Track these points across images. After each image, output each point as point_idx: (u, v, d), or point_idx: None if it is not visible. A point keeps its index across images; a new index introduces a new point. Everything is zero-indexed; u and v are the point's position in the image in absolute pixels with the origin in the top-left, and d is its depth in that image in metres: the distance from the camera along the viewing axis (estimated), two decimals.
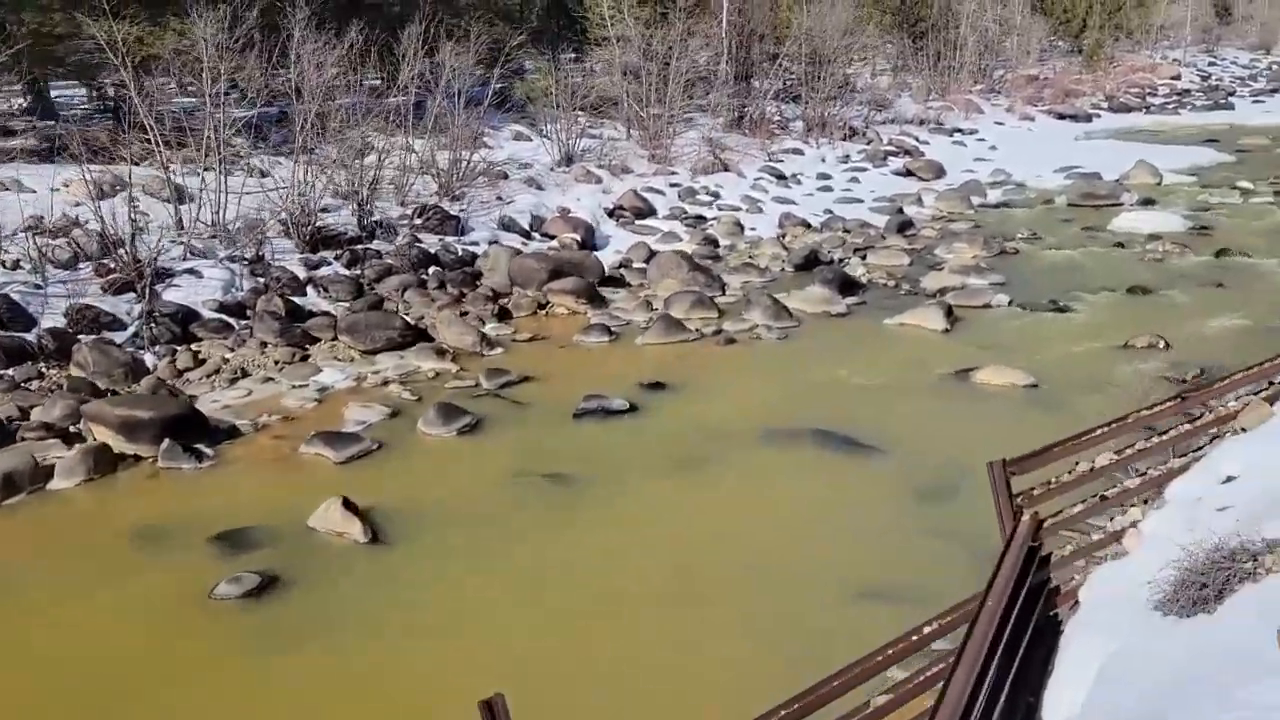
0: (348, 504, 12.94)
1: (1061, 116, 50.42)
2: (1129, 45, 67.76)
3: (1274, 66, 68.77)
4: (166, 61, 23.70)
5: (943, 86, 50.64)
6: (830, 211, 30.98)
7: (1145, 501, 7.47)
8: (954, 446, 15.01)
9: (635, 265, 25.67)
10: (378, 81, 31.25)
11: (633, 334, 20.95)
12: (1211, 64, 70.56)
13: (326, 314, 21.24)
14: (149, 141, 23.51)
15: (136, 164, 23.90)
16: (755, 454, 15.03)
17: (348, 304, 21.83)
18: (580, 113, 36.65)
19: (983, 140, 43.98)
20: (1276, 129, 47.48)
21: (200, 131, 23.90)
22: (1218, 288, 23.14)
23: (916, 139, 42.22)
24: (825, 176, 35.49)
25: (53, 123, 26.73)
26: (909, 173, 36.89)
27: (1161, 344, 19.21)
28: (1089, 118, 50.98)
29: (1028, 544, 6.41)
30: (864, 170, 37.12)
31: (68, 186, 23.16)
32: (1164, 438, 7.98)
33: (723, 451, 15.06)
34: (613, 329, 21.13)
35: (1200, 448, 7.98)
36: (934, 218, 31.35)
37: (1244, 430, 7.91)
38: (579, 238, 26.69)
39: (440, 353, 19.59)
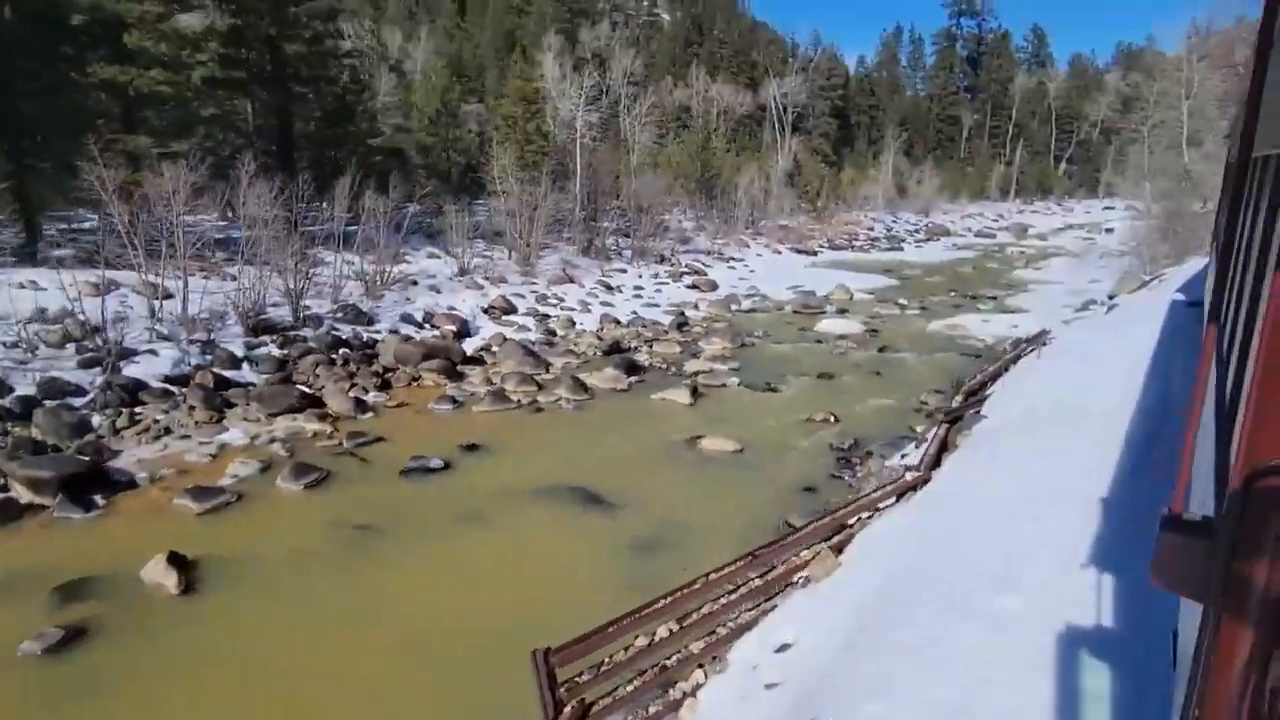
0: (172, 556, 10.08)
1: (800, 251, 49.51)
2: (845, 207, 68.01)
3: (930, 225, 69.75)
4: (146, 198, 20.21)
5: (726, 230, 49.40)
6: (636, 313, 28.81)
7: (714, 659, 5.20)
8: (675, 502, 12.93)
9: (493, 349, 23.05)
10: (338, 214, 28.25)
11: (475, 402, 18.35)
12: (894, 221, 71.21)
13: (249, 384, 18.14)
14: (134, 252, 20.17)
15: (127, 269, 20.68)
16: (524, 509, 12.54)
17: (269, 376, 18.78)
18: (481, 240, 34.20)
19: (747, 266, 42.52)
20: (926, 264, 47.43)
21: (174, 246, 20.59)
22: (876, 375, 21.62)
23: (704, 264, 40.59)
24: (639, 289, 33.43)
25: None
26: (695, 287, 35.07)
27: (833, 419, 17.43)
28: (816, 253, 50.15)
29: None
30: (666, 285, 35.18)
31: (73, 285, 19.74)
32: (733, 596, 5.69)
33: (500, 507, 12.56)
34: (459, 399, 18.51)
35: (771, 598, 5.72)
36: (704, 319, 29.51)
37: (812, 581, 5.70)
38: (455, 329, 23.98)
39: (323, 416, 16.68)
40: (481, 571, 10.62)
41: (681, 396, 18.75)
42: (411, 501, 12.79)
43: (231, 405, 16.91)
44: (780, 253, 48.31)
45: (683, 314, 29.15)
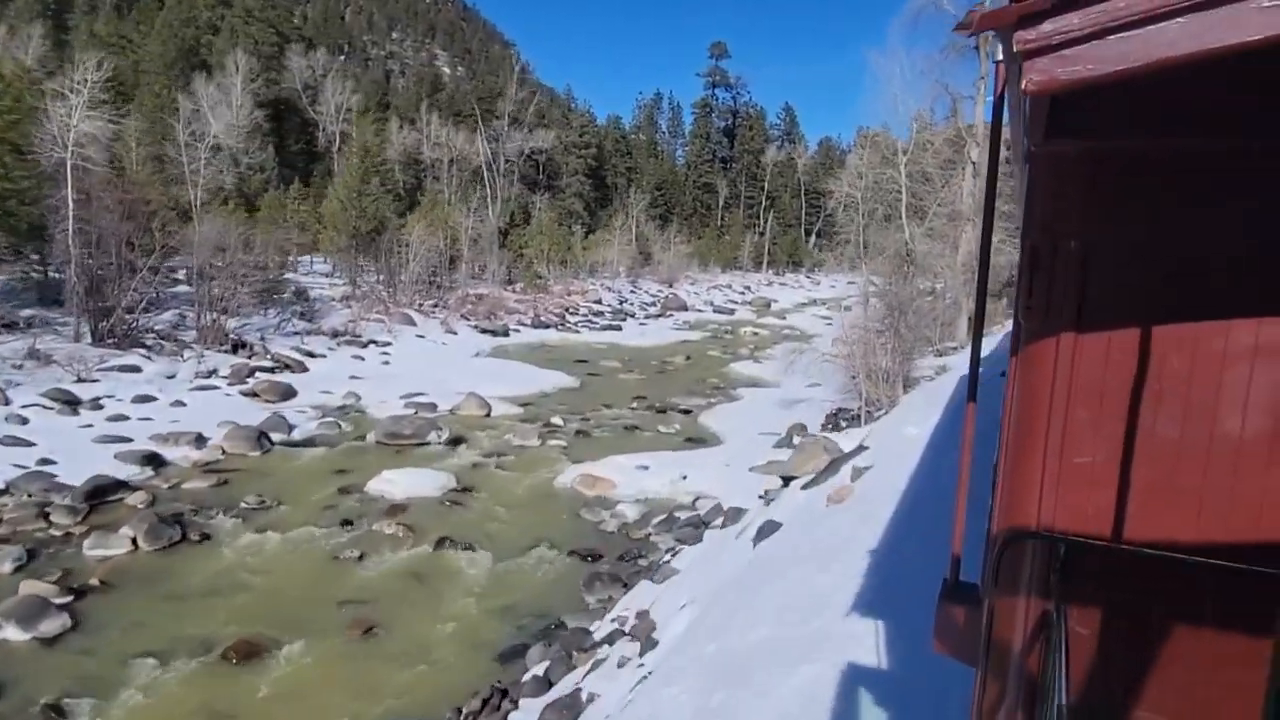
0: None
1: (485, 331, 39.02)
2: (575, 273, 59.37)
3: (669, 297, 62.79)
4: None
5: (390, 300, 38.03)
6: (49, 461, 16.14)
7: None
8: None
9: None
10: None
11: None
12: (633, 291, 63.74)
13: None
14: None
15: None
16: None
17: None
18: None
19: (387, 355, 31.14)
20: (638, 350, 38.72)
21: None
22: (364, 638, 10.89)
23: (312, 353, 28.66)
24: (145, 399, 20.89)
25: None
26: (255, 395, 23.07)
27: None
28: (508, 332, 39.86)
29: None
30: (214, 390, 22.93)
31: None
32: None
33: None
34: None
35: None
36: (199, 464, 17.54)
37: None
38: None
39: None
40: None
41: None
42: None
43: None
44: (456, 332, 37.54)
45: (154, 459, 17.04)
